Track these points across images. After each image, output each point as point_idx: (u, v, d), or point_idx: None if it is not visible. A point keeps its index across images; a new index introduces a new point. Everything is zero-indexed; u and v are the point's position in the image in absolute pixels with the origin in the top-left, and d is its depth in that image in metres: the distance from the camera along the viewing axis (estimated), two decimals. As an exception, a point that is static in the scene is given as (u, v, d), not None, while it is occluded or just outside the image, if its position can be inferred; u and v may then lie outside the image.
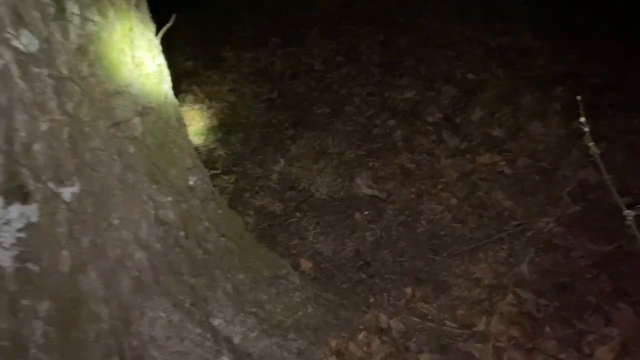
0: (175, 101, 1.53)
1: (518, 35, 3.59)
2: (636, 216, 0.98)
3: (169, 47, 3.96)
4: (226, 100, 3.40)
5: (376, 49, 3.76)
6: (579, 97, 1.14)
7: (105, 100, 1.29)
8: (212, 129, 3.15)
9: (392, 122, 3.06)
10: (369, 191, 2.62)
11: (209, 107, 3.34)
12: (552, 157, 2.62)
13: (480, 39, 3.64)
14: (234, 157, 2.93)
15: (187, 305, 1.52)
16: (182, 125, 1.56)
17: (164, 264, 1.53)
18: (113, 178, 1.36)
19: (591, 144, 1.07)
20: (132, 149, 1.37)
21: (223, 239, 1.63)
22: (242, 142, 3.05)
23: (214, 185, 2.66)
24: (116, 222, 1.42)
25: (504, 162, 2.65)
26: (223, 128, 3.17)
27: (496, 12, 3.89)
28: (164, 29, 1.48)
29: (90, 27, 1.25)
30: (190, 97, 3.39)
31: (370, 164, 2.79)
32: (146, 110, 1.39)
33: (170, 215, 1.50)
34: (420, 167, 2.73)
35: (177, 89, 3.48)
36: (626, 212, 0.98)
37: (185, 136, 1.58)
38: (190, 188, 1.56)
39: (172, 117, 1.52)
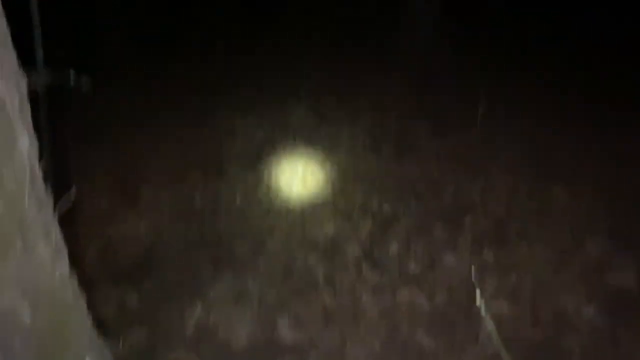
0: (74, 280, 1.44)
1: (426, 168, 3.85)
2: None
3: (83, 184, 3.85)
4: (142, 241, 3.28)
5: (296, 182, 3.87)
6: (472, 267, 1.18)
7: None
8: (125, 276, 2.99)
9: (312, 259, 3.07)
10: (290, 337, 2.53)
11: (124, 250, 3.20)
12: (467, 290, 2.70)
13: (392, 171, 3.86)
14: (147, 307, 2.77)
15: None
16: (78, 302, 1.46)
17: None
18: (-9, 376, 1.21)
19: (484, 314, 1.09)
20: (17, 341, 1.24)
21: None
22: (157, 288, 2.90)
23: (123, 342, 2.50)
24: None
25: (422, 298, 2.68)
26: (137, 274, 3.02)
27: (406, 145, 4.19)
28: (67, 204, 1.42)
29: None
30: (103, 241, 3.25)
31: (292, 306, 2.72)
32: (36, 295, 1.29)
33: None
34: (342, 307, 2.70)
35: (90, 232, 3.35)
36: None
37: (82, 311, 1.47)
38: (86, 371, 1.42)
39: (69, 294, 1.42)
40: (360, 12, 6.00)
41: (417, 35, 5.40)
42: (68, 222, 1.51)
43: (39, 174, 1.37)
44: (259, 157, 4.22)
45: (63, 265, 1.41)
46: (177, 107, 4.94)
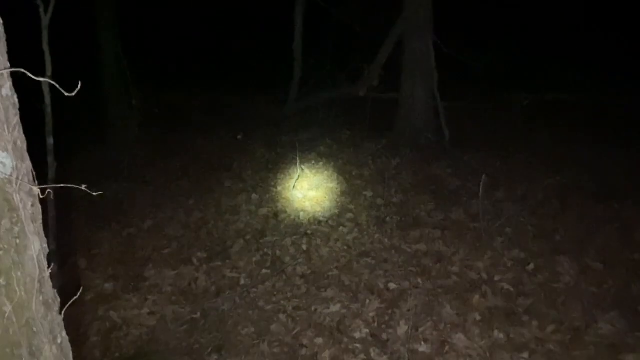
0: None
1: (431, 242, 3.84)
2: None
3: (88, 268, 3.84)
4: (145, 324, 3.23)
5: (300, 259, 3.85)
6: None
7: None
8: (127, 361, 2.93)
9: (319, 341, 3.00)
10: None
11: (126, 335, 3.14)
12: (479, 373, 2.62)
13: (397, 246, 3.85)
14: (149, 397, 2.69)
15: None
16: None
17: None
18: None
19: None
20: None
21: None
22: (159, 376, 2.83)
23: None
24: None
25: (433, 383, 2.60)
26: (140, 358, 2.95)
27: (410, 219, 4.20)
28: (71, 301, 1.43)
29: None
30: (105, 325, 3.20)
31: (298, 394, 2.64)
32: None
33: None
34: (350, 394, 2.61)
35: (93, 316, 3.30)
36: None
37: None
38: None
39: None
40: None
41: (417, 112, 5.56)
42: (72, 305, 1.50)
43: (48, 277, 1.39)
44: (262, 234, 4.23)
45: (67, 367, 1.39)
46: (180, 189, 5.03)
